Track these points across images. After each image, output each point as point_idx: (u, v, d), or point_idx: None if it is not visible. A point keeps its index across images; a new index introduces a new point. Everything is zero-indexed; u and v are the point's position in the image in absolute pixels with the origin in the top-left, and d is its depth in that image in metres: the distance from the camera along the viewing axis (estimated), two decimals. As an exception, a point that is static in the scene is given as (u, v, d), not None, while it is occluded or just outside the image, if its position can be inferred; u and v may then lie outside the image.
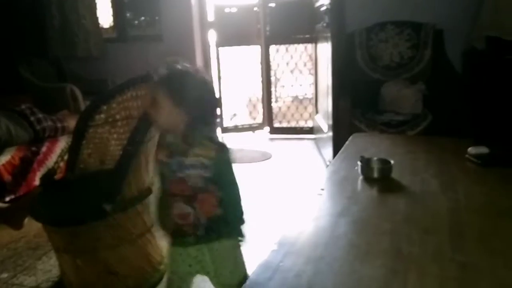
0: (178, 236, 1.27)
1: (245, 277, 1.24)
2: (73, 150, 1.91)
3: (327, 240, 1.00)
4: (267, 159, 3.65)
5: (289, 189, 2.91)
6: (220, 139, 1.26)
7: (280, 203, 2.66)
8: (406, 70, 3.23)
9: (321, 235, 1.03)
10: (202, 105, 1.22)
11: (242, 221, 1.26)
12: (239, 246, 1.30)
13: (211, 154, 1.20)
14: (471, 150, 1.55)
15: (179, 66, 1.24)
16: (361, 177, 1.38)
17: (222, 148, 1.23)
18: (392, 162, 1.40)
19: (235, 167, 1.25)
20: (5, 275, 2.01)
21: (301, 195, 2.77)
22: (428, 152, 1.71)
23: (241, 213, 1.26)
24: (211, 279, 1.34)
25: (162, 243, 2.00)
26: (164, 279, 1.88)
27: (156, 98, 1.17)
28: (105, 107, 1.93)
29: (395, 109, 2.98)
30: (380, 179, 1.36)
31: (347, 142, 1.84)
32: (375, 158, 1.44)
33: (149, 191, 1.83)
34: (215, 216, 1.24)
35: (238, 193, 1.25)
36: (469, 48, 3.05)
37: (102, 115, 1.93)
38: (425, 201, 1.22)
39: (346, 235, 1.01)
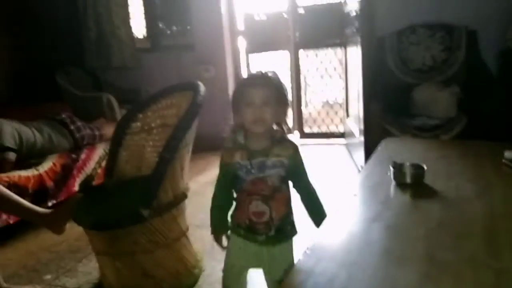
0: (249, 233, 1.30)
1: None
2: (111, 156, 2.00)
3: (360, 245, 1.01)
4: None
5: (321, 195, 2.91)
6: (290, 137, 1.30)
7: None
8: (439, 73, 3.18)
9: (354, 240, 1.04)
10: (287, 105, 1.26)
11: (324, 212, 1.31)
12: (293, 245, 1.34)
13: (288, 152, 1.25)
14: (507, 154, 1.52)
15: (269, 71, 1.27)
16: (393, 183, 1.38)
17: (296, 146, 1.27)
18: (425, 167, 1.39)
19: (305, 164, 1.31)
20: (48, 276, 2.10)
21: (333, 201, 2.76)
22: (462, 156, 1.68)
23: (322, 205, 1.33)
24: (265, 274, 1.37)
25: (196, 247, 2.06)
26: (200, 282, 1.93)
27: (266, 97, 1.20)
28: (141, 115, 2.01)
29: (428, 113, 2.94)
30: (413, 184, 1.35)
31: (378, 147, 1.83)
32: (407, 163, 1.43)
33: (184, 196, 1.88)
34: (285, 216, 1.28)
35: (314, 187, 1.30)
36: (505, 48, 2.97)
37: (138, 123, 2.02)
38: (459, 206, 1.20)
39: (380, 240, 1.02)
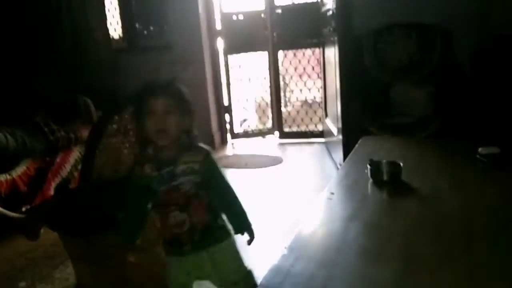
0: (175, 246, 1.29)
1: (248, 272, 1.25)
2: (87, 160, 1.95)
3: (338, 244, 1.01)
4: (278, 163, 3.66)
5: (300, 194, 2.92)
6: (200, 144, 1.28)
7: (290, 208, 2.66)
8: (415, 73, 3.22)
9: (332, 239, 1.04)
10: (192, 113, 1.25)
11: (246, 218, 1.28)
12: (235, 244, 1.31)
13: (199, 158, 1.23)
14: (481, 150, 1.55)
15: (169, 80, 1.25)
16: (371, 181, 1.39)
17: (207, 152, 1.25)
18: (401, 164, 1.40)
19: (223, 169, 1.28)
20: (23, 283, 2.04)
21: (311, 200, 2.77)
22: (438, 154, 1.71)
23: (243, 209, 1.28)
24: (214, 282, 1.35)
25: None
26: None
27: (168, 106, 1.18)
28: (117, 118, 1.97)
29: (405, 112, 2.98)
30: (390, 182, 1.37)
31: (356, 146, 1.84)
32: (384, 161, 1.44)
33: None
34: (209, 222, 1.26)
35: (234, 191, 1.28)
36: (479, 48, 3.04)
37: (115, 126, 1.97)
38: (436, 203, 1.22)
39: (357, 239, 1.02)
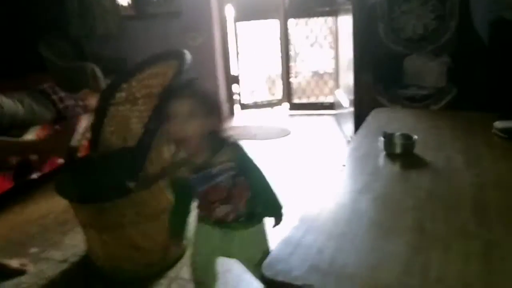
0: (218, 224, 1.28)
1: (268, 253, 1.25)
2: (96, 128, 1.94)
3: (349, 216, 0.99)
4: (286, 135, 3.64)
5: (309, 166, 2.90)
6: (230, 139, 1.25)
7: (300, 180, 2.65)
8: (430, 43, 3.12)
9: (342, 211, 1.03)
10: (218, 113, 1.21)
11: (278, 202, 1.27)
12: (264, 225, 1.31)
13: (232, 157, 1.20)
14: (497, 124, 1.50)
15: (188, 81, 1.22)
16: (383, 153, 1.36)
17: (239, 148, 1.23)
18: (415, 137, 1.37)
19: (253, 156, 1.25)
20: (35, 249, 2.08)
21: (321, 172, 2.76)
22: (453, 127, 1.66)
23: (275, 194, 1.27)
24: (239, 260, 1.36)
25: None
26: (188, 254, 1.92)
27: (187, 113, 1.13)
28: (125, 85, 1.95)
29: (419, 83, 2.91)
30: (403, 155, 1.34)
31: (368, 117, 1.80)
32: (397, 134, 1.41)
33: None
34: (250, 200, 1.25)
35: (264, 177, 1.26)
36: (498, 18, 2.92)
37: (123, 93, 1.95)
38: (449, 177, 1.19)
39: (368, 211, 1.00)
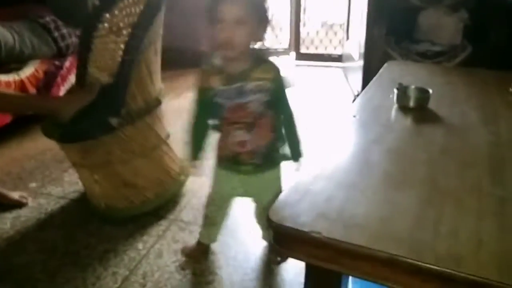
0: (234, 164, 1.25)
1: None
2: (81, 63, 1.84)
3: (360, 166, 0.95)
4: (292, 85, 3.55)
5: (314, 117, 2.85)
6: (271, 59, 1.18)
7: (305, 130, 2.61)
8: (448, -4, 2.98)
9: (353, 161, 0.99)
10: (267, 22, 1.14)
11: (300, 145, 1.25)
12: (281, 170, 1.29)
13: (270, 76, 1.14)
14: (516, 83, 1.45)
15: None
16: (395, 106, 1.31)
17: (279, 69, 1.16)
18: (430, 91, 1.31)
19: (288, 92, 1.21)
20: (33, 184, 2.08)
21: (327, 123, 2.72)
22: (469, 84, 1.60)
23: (299, 136, 1.25)
24: (256, 202, 1.35)
25: (182, 153, 2.02)
26: (188, 188, 1.92)
27: (239, 14, 1.05)
28: (107, 16, 1.82)
29: (433, 39, 2.80)
30: (417, 108, 1.29)
31: (381, 70, 1.73)
32: (412, 87, 1.36)
33: (157, 102, 1.79)
34: (271, 143, 1.22)
35: (294, 116, 1.23)
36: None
37: (106, 24, 1.82)
38: (464, 133, 1.15)
39: (380, 163, 0.96)
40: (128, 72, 1.60)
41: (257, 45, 1.17)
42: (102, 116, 1.58)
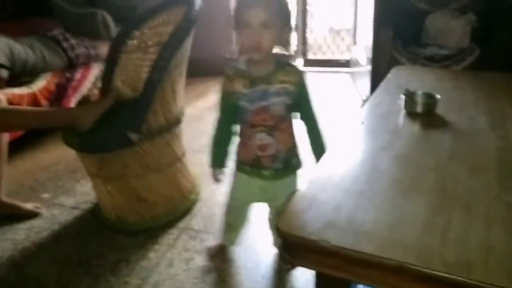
0: (255, 168, 1.27)
1: None
2: (106, 77, 1.90)
3: (368, 174, 0.96)
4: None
5: (325, 124, 2.85)
6: (295, 63, 1.20)
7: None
8: (455, 0, 2.98)
9: (361, 168, 0.99)
10: (290, 26, 1.16)
11: (324, 149, 1.26)
12: (298, 177, 1.31)
13: (294, 79, 1.16)
14: (525, 86, 1.44)
15: None
16: (403, 112, 1.31)
17: (302, 73, 1.18)
18: (437, 96, 1.31)
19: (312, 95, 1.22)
20: (46, 195, 2.11)
21: (339, 128, 2.72)
22: (477, 88, 1.60)
23: (323, 140, 1.28)
24: (271, 207, 1.36)
25: (194, 172, 2.03)
26: (198, 207, 1.93)
27: (265, 18, 1.08)
28: (137, 33, 1.88)
29: (440, 42, 2.80)
30: (424, 114, 1.29)
31: (388, 75, 1.73)
32: (419, 92, 1.36)
33: (177, 121, 1.82)
34: (291, 147, 1.23)
35: (318, 119, 1.24)
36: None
37: (134, 41, 1.89)
38: (473, 138, 1.14)
39: (388, 170, 0.97)
40: (153, 91, 1.63)
41: (278, 49, 1.19)
42: (123, 130, 1.61)
